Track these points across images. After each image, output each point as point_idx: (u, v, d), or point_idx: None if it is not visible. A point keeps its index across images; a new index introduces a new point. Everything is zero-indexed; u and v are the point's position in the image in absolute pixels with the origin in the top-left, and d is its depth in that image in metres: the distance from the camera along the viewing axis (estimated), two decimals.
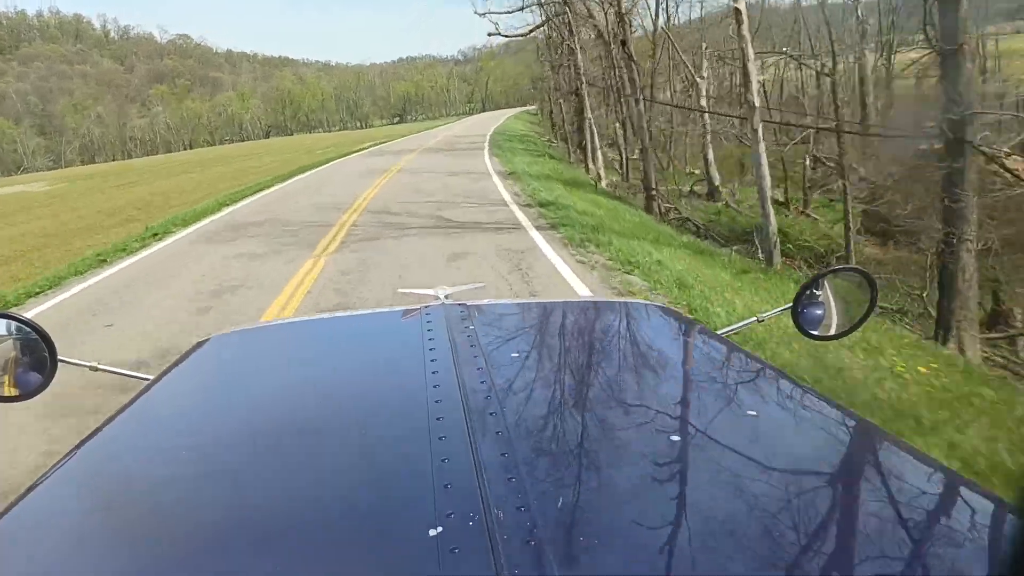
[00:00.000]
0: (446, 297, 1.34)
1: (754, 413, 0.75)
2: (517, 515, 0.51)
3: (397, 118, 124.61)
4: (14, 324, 1.09)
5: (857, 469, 0.68)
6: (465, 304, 1.12)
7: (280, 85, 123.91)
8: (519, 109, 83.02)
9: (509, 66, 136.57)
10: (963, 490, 0.60)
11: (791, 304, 1.17)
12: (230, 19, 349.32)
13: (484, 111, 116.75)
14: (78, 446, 0.76)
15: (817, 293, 1.20)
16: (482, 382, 0.75)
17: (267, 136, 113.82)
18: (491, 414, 0.67)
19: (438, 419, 0.67)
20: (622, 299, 1.34)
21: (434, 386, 0.74)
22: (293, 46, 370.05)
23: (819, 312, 1.20)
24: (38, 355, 1.08)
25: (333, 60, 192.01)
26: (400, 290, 1.93)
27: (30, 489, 0.67)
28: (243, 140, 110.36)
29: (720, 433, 0.70)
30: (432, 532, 0.50)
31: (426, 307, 1.09)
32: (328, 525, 0.56)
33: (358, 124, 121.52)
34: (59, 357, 1.08)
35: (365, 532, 0.54)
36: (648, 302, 1.25)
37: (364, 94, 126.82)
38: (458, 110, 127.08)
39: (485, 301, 1.19)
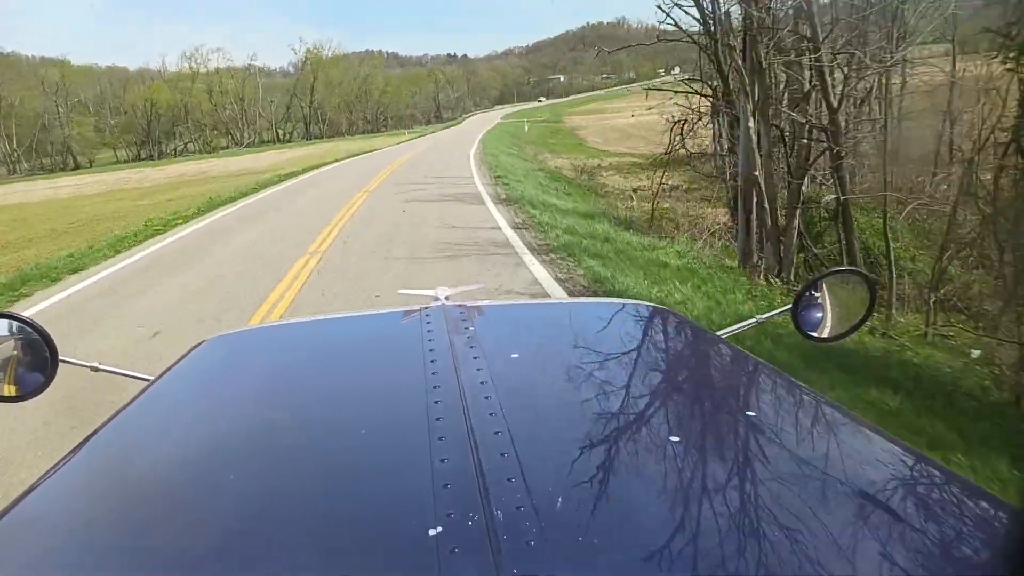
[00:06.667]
0: (446, 298, 1.33)
1: (752, 414, 0.74)
2: (516, 515, 0.51)
3: (140, 146, 67.86)
4: (15, 324, 1.09)
5: (856, 469, 0.65)
6: (465, 305, 1.12)
7: None
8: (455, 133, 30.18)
9: (352, 63, 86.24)
10: (963, 490, 0.61)
11: (791, 305, 1.19)
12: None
13: (313, 141, 65.86)
14: (78, 446, 0.75)
15: (816, 294, 1.21)
16: (481, 383, 0.75)
17: None
18: (490, 415, 0.67)
19: (437, 419, 0.67)
20: (622, 300, 1.30)
21: (434, 387, 0.75)
22: (78, 47, 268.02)
23: (818, 314, 1.21)
24: (39, 355, 1.07)
25: (124, 64, 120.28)
26: (400, 291, 1.86)
27: (30, 489, 0.66)
28: None
29: (718, 434, 0.71)
30: (432, 532, 0.50)
31: (426, 308, 1.10)
32: (328, 525, 0.55)
33: (53, 163, 61.30)
34: (60, 357, 1.08)
35: (364, 532, 0.54)
36: (648, 303, 1.25)
37: (67, 102, 65.55)
38: (260, 135, 73.79)
39: (485, 302, 1.20)
